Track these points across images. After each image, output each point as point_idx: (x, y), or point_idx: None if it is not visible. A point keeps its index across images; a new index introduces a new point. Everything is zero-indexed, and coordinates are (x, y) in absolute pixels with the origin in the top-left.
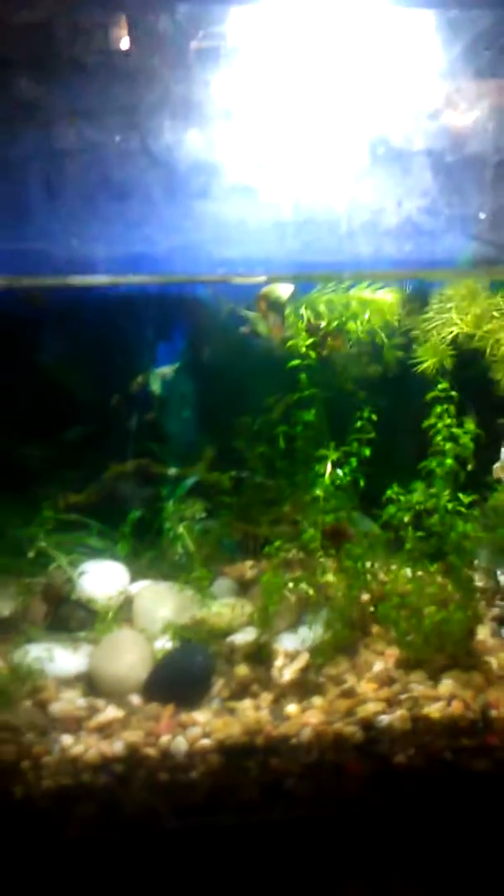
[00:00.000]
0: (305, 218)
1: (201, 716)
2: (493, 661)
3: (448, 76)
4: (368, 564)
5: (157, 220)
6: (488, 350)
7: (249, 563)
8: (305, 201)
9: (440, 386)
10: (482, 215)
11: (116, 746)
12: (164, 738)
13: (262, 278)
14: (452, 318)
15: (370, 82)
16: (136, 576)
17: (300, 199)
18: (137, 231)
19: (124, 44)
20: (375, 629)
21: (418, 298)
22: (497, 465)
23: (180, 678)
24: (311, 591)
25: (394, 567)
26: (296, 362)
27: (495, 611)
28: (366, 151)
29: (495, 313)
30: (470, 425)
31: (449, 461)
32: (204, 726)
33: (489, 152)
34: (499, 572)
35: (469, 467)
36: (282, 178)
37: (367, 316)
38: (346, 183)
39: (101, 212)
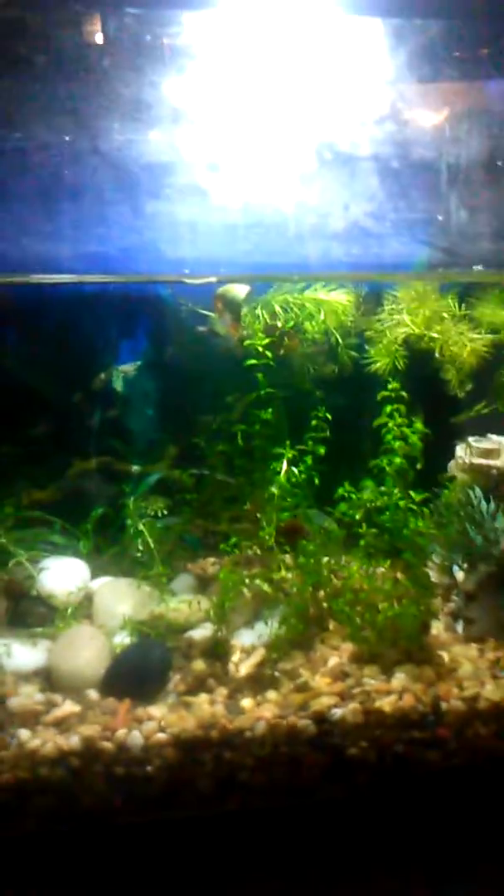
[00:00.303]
0: (255, 220)
1: (157, 710)
2: (446, 656)
3: (394, 83)
4: (324, 561)
5: (110, 219)
6: (437, 351)
7: (211, 560)
8: (255, 203)
9: (390, 386)
10: (440, 217)
11: (73, 740)
12: (121, 733)
13: (213, 279)
14: (404, 319)
15: (319, 87)
16: (97, 572)
17: (250, 201)
18: (90, 231)
19: (74, 44)
20: (332, 625)
21: (372, 300)
22: (452, 463)
23: (137, 673)
24: (267, 588)
25: (348, 563)
26: (252, 361)
27: (451, 606)
28: (313, 156)
29: (445, 315)
30: (419, 425)
31: (398, 459)
32: (160, 721)
33: (435, 158)
34: (454, 569)
35: (418, 466)
36: (232, 181)
37: (322, 317)
38: (294, 186)
39: (53, 211)
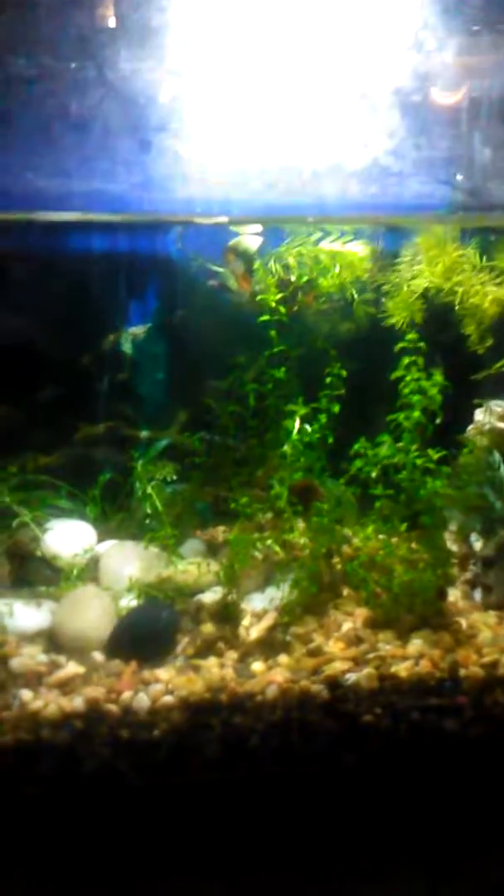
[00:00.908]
0: (269, 157)
1: (164, 673)
2: (464, 622)
3: (416, 13)
4: (338, 526)
5: (116, 154)
6: (457, 302)
7: (222, 528)
8: (268, 140)
9: (408, 336)
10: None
11: (76, 702)
12: (126, 695)
13: (225, 219)
14: (422, 269)
15: (336, 15)
16: (104, 537)
17: (263, 138)
18: (95, 165)
19: None
20: (346, 591)
21: (390, 254)
22: (471, 427)
23: (143, 635)
24: (278, 550)
25: (363, 525)
26: (265, 318)
27: (468, 575)
28: (330, 90)
29: (465, 266)
30: (438, 377)
31: (416, 414)
32: (167, 683)
33: (459, 93)
34: (472, 537)
35: (437, 420)
36: (245, 115)
37: (337, 270)
38: (309, 122)
39: (57, 143)
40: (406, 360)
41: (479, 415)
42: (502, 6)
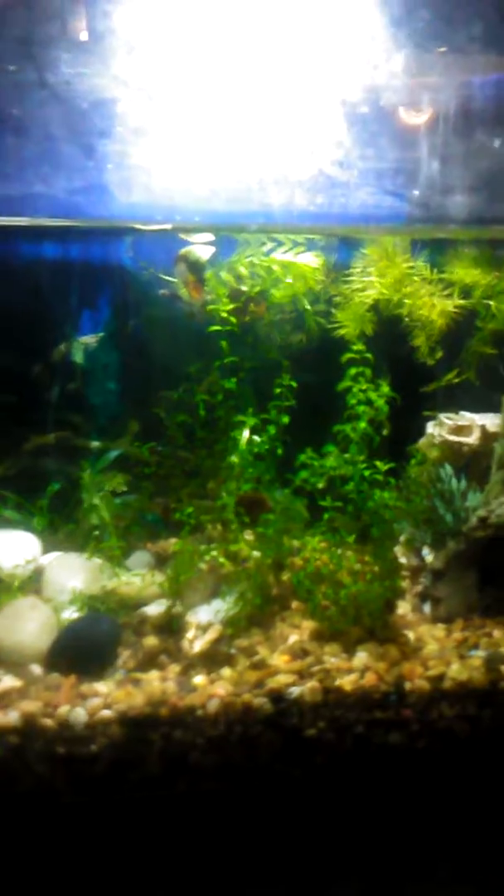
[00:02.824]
0: (214, 164)
1: (104, 686)
2: (411, 635)
3: (364, 24)
4: (286, 537)
5: (57, 158)
6: (406, 314)
7: (173, 540)
8: (214, 146)
9: (355, 347)
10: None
11: (11, 716)
12: (63, 709)
13: (168, 226)
14: (372, 281)
15: (284, 24)
16: (51, 549)
17: (209, 144)
18: (36, 170)
19: None
20: (295, 604)
21: (342, 266)
22: (422, 440)
23: (83, 648)
24: (224, 561)
25: (311, 537)
26: (216, 328)
27: (419, 588)
28: (277, 97)
29: (415, 278)
30: (385, 388)
31: (363, 424)
32: (105, 697)
33: (406, 104)
34: (424, 551)
35: (384, 432)
36: (190, 121)
37: (289, 280)
38: (256, 129)
39: None
40: (353, 371)
41: (430, 428)
42: (449, 22)
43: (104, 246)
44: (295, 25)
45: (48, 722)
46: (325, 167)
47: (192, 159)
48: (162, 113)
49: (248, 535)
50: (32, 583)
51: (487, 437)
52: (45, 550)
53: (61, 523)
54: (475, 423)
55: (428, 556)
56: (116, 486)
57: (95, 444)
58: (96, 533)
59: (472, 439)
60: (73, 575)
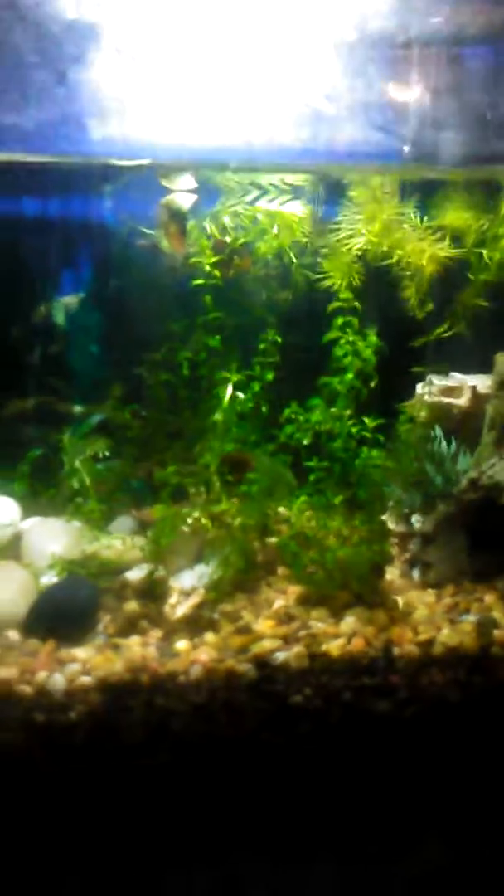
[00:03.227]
0: (193, 95)
1: (83, 652)
2: (400, 600)
3: None
4: (271, 500)
5: (27, 86)
6: (394, 262)
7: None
8: (193, 75)
9: (342, 295)
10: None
11: None
12: (41, 675)
13: (145, 161)
14: (359, 229)
15: None
16: (33, 514)
17: (188, 74)
18: (3, 97)
19: None
20: (281, 570)
21: (329, 217)
22: (412, 400)
23: (62, 613)
24: (206, 522)
25: (296, 500)
26: (199, 282)
27: (407, 554)
28: (260, 23)
29: (405, 224)
30: (373, 338)
31: (349, 377)
32: (84, 663)
33: (396, 32)
34: (413, 518)
35: (372, 384)
36: (168, 47)
37: (275, 231)
38: (238, 57)
39: None
40: (340, 321)
41: (420, 388)
42: None
43: (84, 199)
44: None
45: (25, 689)
46: (310, 99)
47: (171, 90)
48: (139, 38)
49: (234, 499)
50: (11, 548)
51: (478, 398)
52: (26, 516)
53: (42, 489)
54: (466, 385)
55: (417, 522)
56: (99, 450)
57: (78, 408)
58: (78, 499)
59: (463, 401)
60: (52, 539)
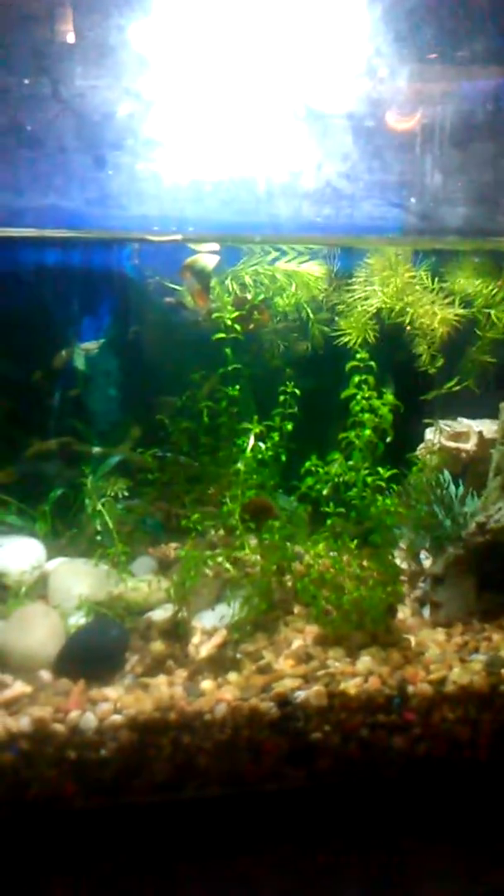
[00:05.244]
0: (223, 176)
1: (113, 691)
2: (413, 639)
3: (370, 40)
4: (289, 543)
5: (70, 170)
6: (407, 322)
7: (174, 544)
8: (223, 158)
9: (359, 356)
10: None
11: (23, 722)
12: (74, 714)
13: (179, 237)
14: (375, 290)
15: (293, 40)
16: (55, 554)
17: (218, 156)
18: (49, 181)
19: None
20: (297, 609)
21: (345, 275)
22: (422, 446)
23: (92, 653)
24: (229, 566)
25: (314, 543)
26: (221, 335)
27: (417, 592)
28: (286, 111)
29: (417, 287)
30: (389, 396)
31: (367, 432)
32: (115, 702)
33: (414, 119)
34: (422, 556)
35: (388, 439)
36: (200, 134)
37: (293, 289)
38: (265, 142)
39: (11, 159)
40: (357, 379)
41: (429, 434)
42: (454, 35)
43: (107, 253)
44: (304, 40)
45: (59, 727)
46: (332, 179)
47: (203, 170)
48: (173, 125)
49: (252, 541)
50: (38, 589)
51: (485, 443)
52: (50, 556)
53: (63, 529)
54: (472, 430)
55: (426, 560)
56: (118, 490)
57: (96, 449)
58: (99, 538)
59: (470, 445)
60: (78, 580)
